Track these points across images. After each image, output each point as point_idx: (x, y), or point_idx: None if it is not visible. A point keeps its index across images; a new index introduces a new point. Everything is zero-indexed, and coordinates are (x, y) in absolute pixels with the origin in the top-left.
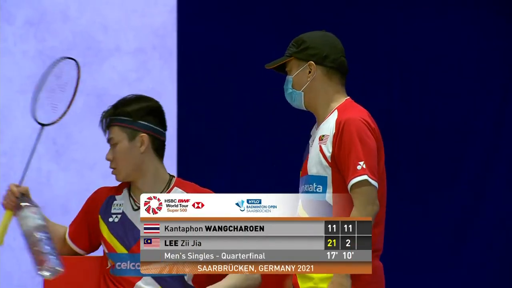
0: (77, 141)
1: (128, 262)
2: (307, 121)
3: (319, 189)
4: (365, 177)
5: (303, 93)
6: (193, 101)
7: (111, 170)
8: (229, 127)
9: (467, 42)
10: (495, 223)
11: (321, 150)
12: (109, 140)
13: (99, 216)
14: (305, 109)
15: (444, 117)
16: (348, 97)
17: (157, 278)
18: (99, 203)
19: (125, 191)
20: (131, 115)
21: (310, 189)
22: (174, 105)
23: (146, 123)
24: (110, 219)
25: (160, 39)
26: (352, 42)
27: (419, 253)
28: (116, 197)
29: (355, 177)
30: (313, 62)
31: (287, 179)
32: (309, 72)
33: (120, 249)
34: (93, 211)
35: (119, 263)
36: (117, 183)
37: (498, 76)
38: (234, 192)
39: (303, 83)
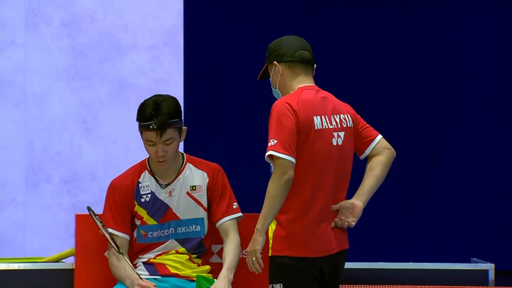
0: (103, 121)
1: (159, 230)
2: None
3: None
4: (270, 151)
5: (278, 89)
6: (197, 89)
7: (160, 162)
8: (228, 112)
9: (416, 37)
10: (444, 193)
11: None
12: (166, 141)
13: (135, 202)
14: None
15: (401, 100)
16: (306, 85)
17: (180, 240)
18: (131, 191)
19: (145, 174)
20: (180, 114)
21: None
22: (181, 92)
23: (182, 119)
24: (142, 200)
25: (170, 37)
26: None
27: (381, 215)
28: (140, 180)
29: (267, 151)
30: (275, 62)
31: None
32: (276, 71)
33: (151, 221)
34: (129, 199)
35: (150, 233)
36: (125, 168)
37: (445, 66)
38: (236, 169)
39: (276, 81)
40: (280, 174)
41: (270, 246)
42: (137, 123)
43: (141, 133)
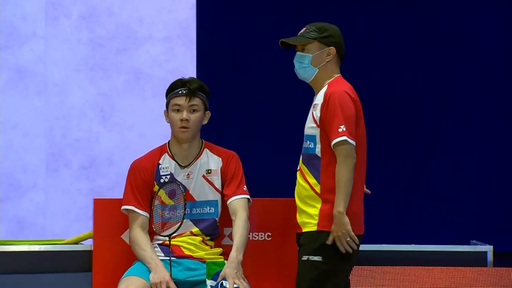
0: (119, 109)
1: (175, 210)
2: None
3: (311, 145)
4: (344, 137)
5: (318, 70)
6: (209, 79)
7: (183, 129)
8: (236, 100)
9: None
10: (443, 176)
11: (312, 115)
12: (192, 106)
13: (155, 182)
14: (307, 81)
15: (402, 91)
16: (339, 74)
17: (194, 220)
18: (151, 171)
19: (165, 156)
20: (207, 94)
21: (306, 145)
22: None
23: (207, 104)
24: (161, 180)
25: (183, 30)
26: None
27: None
28: (160, 162)
29: (337, 137)
30: (334, 48)
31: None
32: (327, 55)
33: (169, 201)
34: (149, 180)
35: (167, 212)
36: (145, 152)
37: (444, 55)
38: (247, 156)
39: (320, 62)
40: (351, 159)
41: (316, 222)
42: (151, 112)
43: (167, 105)
